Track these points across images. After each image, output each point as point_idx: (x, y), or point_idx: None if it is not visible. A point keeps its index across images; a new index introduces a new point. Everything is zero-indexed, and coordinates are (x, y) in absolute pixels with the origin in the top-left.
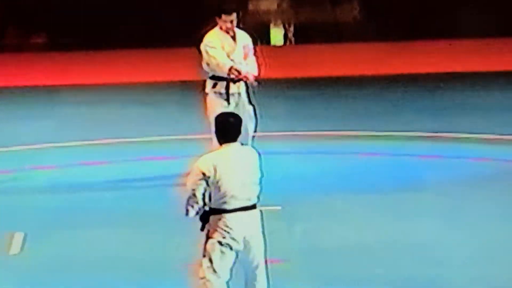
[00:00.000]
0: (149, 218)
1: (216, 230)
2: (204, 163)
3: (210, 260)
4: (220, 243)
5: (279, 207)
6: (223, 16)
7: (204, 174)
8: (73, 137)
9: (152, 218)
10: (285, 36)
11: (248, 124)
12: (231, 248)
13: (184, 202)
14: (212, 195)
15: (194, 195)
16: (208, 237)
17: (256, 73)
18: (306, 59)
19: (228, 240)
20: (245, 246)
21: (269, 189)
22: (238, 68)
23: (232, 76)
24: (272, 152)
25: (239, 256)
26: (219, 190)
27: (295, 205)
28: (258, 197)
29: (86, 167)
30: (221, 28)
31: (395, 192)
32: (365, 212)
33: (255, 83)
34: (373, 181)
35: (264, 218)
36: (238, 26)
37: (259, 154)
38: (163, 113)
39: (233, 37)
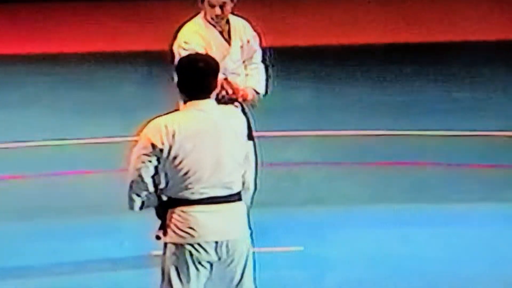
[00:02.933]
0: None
1: (175, 233)
2: (155, 130)
3: (170, 284)
4: (179, 254)
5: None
6: None
7: (154, 146)
8: None
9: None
10: None
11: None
12: (198, 262)
13: (127, 189)
14: (168, 178)
15: (140, 177)
16: (165, 246)
17: (262, 89)
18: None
19: (191, 248)
20: (219, 256)
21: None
22: (232, 83)
23: (222, 94)
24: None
25: (213, 272)
26: (179, 171)
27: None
28: (245, 185)
29: None
30: (205, 18)
31: None
32: None
33: (257, 105)
34: None
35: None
36: (233, 13)
37: (248, 119)
38: None
39: (225, 32)
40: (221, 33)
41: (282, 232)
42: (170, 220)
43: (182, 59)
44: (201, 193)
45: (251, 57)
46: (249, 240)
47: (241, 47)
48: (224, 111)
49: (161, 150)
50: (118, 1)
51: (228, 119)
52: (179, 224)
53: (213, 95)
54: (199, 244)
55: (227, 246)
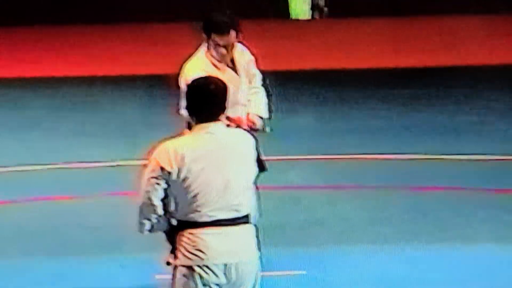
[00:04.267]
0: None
1: (184, 255)
2: (164, 153)
3: None
4: (189, 276)
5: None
6: (215, 37)
7: (163, 169)
8: None
9: None
10: (314, 7)
11: None
12: (207, 284)
13: (137, 212)
14: (177, 201)
15: (149, 200)
16: (174, 268)
17: (265, 113)
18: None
19: (201, 271)
20: (228, 279)
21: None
22: (234, 119)
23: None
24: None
25: None
26: (188, 193)
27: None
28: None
29: None
30: (209, 53)
31: None
32: None
33: (267, 129)
34: None
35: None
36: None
37: (256, 141)
38: None
39: (229, 63)
40: (228, 66)
41: (284, 256)
42: (180, 243)
43: (192, 82)
44: (210, 216)
45: (250, 82)
46: (258, 262)
47: (245, 70)
48: (233, 133)
49: (170, 173)
50: (121, 24)
51: (236, 142)
52: (188, 247)
53: (223, 117)
54: (207, 267)
55: (236, 268)
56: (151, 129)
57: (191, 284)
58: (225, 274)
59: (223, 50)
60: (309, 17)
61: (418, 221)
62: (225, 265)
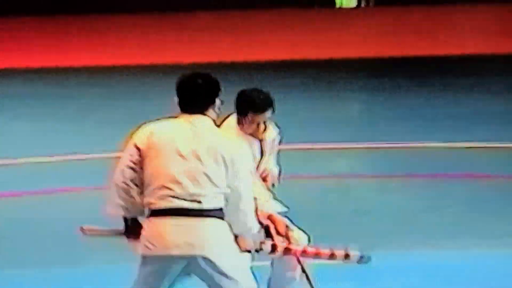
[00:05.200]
0: None
1: (142, 244)
2: (141, 132)
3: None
4: (146, 265)
5: None
6: (252, 115)
7: (136, 146)
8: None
9: None
10: None
11: None
12: (164, 273)
13: (112, 191)
14: (144, 185)
15: (123, 178)
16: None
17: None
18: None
19: (156, 260)
20: (185, 270)
21: None
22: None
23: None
24: None
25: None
26: (146, 174)
27: None
28: (229, 201)
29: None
30: (241, 126)
31: None
32: None
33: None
34: None
35: None
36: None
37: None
38: None
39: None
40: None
41: (331, 244)
42: (142, 232)
43: (182, 74)
44: (168, 201)
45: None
46: (228, 259)
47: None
48: (217, 133)
49: (140, 150)
50: (172, 13)
51: (218, 141)
52: (146, 236)
53: (211, 113)
54: (163, 257)
55: (195, 262)
56: None
57: (147, 273)
58: (181, 265)
59: (259, 127)
60: (355, 5)
61: (474, 212)
62: (181, 257)
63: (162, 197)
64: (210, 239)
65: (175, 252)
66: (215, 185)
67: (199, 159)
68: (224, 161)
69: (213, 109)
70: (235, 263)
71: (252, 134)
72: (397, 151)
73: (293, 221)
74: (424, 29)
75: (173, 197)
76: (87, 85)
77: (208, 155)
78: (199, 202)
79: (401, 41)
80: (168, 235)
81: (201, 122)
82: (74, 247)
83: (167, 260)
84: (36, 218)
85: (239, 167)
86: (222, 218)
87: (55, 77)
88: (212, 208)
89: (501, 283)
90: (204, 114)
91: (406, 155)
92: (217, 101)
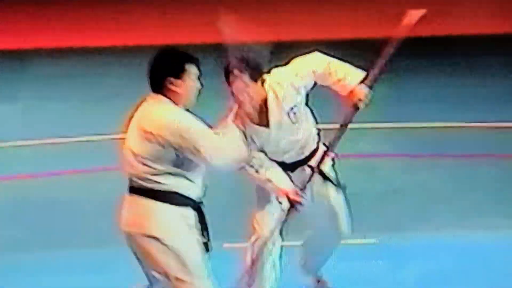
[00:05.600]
0: None
1: None
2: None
3: None
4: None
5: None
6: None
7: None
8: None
9: None
10: None
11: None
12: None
13: None
14: None
15: None
16: None
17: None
18: None
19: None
20: (134, 250)
21: None
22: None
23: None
24: None
25: None
26: None
27: None
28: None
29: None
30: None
31: None
32: None
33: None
34: None
35: None
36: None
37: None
38: None
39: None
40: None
41: (358, 224)
42: None
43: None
44: (129, 180)
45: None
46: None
47: (292, 108)
48: (155, 107)
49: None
50: None
51: (147, 116)
52: None
53: (172, 95)
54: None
55: (134, 241)
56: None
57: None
58: (129, 240)
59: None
60: None
61: (504, 192)
62: (129, 234)
63: (127, 176)
64: (144, 219)
65: (123, 227)
66: (148, 166)
67: (130, 139)
68: (163, 139)
69: (171, 87)
70: (179, 243)
71: (256, 115)
72: (426, 130)
73: None
74: (453, 8)
75: (129, 176)
76: (116, 65)
77: (135, 132)
78: (141, 181)
79: (429, 21)
80: (123, 212)
81: (152, 102)
82: (101, 228)
83: (125, 236)
84: (64, 198)
85: (185, 135)
86: (163, 199)
87: (83, 57)
88: (154, 189)
89: None
90: (164, 94)
91: (435, 135)
92: (171, 79)
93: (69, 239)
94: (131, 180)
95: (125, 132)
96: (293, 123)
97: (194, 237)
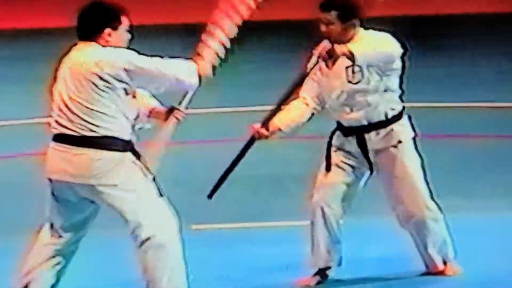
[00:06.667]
0: None
1: None
2: None
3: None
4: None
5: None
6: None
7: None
8: None
9: None
10: None
11: None
12: (57, 199)
13: None
14: None
15: None
16: None
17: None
18: None
19: (50, 184)
20: (69, 196)
21: None
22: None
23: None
24: None
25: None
26: None
27: None
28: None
29: None
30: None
31: None
32: None
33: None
34: None
35: None
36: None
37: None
38: None
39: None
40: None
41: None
42: None
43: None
44: (55, 128)
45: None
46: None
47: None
48: (95, 51)
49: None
50: None
51: (87, 59)
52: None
53: (106, 45)
54: (50, 180)
55: (71, 188)
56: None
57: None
58: (64, 190)
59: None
60: None
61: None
62: (60, 181)
63: (53, 122)
64: (83, 169)
65: (54, 176)
66: (87, 108)
67: (68, 87)
68: (114, 75)
69: (107, 37)
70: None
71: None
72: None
73: None
74: None
75: (59, 124)
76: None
77: (73, 79)
78: (75, 130)
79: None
80: (52, 160)
81: (87, 47)
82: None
83: (54, 183)
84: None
85: (138, 64)
86: (103, 147)
87: (41, 38)
88: (96, 136)
89: None
90: (96, 42)
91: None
92: (107, 30)
93: None
94: (60, 130)
95: (54, 82)
96: (349, 81)
97: (148, 181)
